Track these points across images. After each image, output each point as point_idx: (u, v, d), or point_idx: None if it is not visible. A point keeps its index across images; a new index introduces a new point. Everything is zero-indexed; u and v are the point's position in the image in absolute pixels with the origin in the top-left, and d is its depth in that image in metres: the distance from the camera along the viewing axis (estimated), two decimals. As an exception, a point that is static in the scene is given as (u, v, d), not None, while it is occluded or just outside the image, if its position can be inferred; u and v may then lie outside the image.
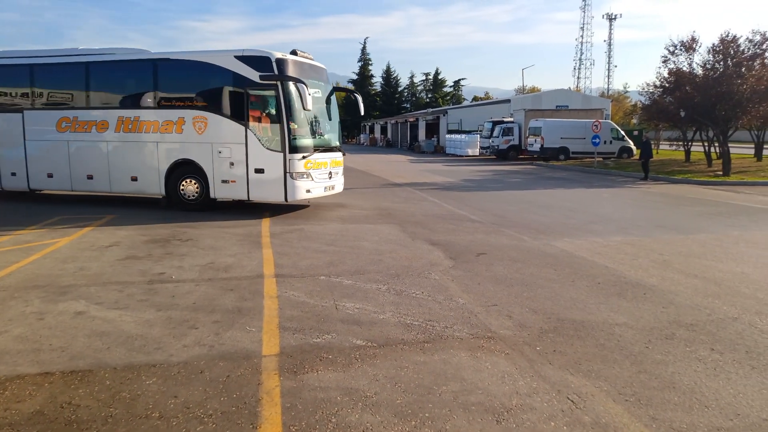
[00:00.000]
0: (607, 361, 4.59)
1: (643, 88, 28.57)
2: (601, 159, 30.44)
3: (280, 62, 11.54)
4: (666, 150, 37.10)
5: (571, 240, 9.56)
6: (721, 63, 23.50)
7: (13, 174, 13.76)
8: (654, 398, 3.95)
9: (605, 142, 31.63)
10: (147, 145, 12.58)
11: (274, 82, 11.39)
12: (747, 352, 4.79)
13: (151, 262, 7.75)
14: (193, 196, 12.46)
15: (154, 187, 12.70)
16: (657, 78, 27.26)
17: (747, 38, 23.27)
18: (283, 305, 5.89)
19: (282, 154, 11.50)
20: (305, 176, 11.82)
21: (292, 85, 11.42)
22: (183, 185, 12.47)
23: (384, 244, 9.07)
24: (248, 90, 11.64)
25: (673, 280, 7.05)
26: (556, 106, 44.55)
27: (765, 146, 28.38)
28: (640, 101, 34.38)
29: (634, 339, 5.07)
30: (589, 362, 4.56)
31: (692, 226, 11.14)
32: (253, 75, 11.52)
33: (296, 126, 11.61)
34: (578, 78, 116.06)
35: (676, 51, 25.42)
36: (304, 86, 11.08)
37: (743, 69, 22.65)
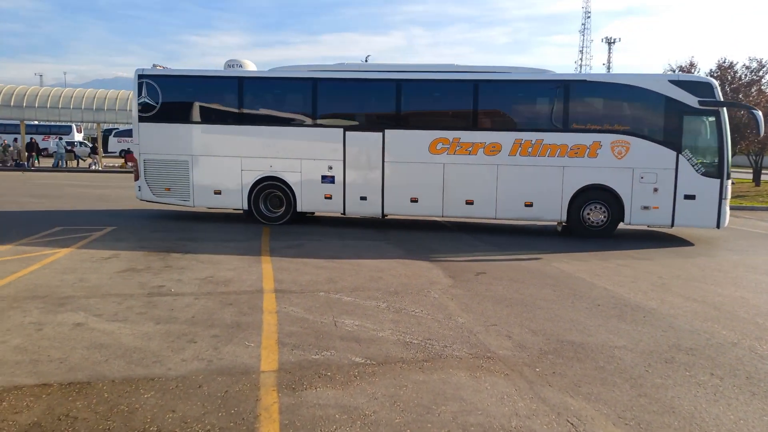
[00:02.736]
0: (606, 383, 4.58)
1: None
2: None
3: (718, 89, 11.78)
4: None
5: (569, 261, 9.57)
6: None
7: (363, 198, 12.68)
8: (654, 423, 3.94)
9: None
10: (550, 170, 12.05)
11: (715, 108, 11.59)
12: (747, 377, 4.79)
13: (150, 274, 7.75)
14: (600, 222, 12.20)
15: (554, 213, 12.22)
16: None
17: (744, 65, 23.60)
18: (282, 321, 5.88)
19: (719, 180, 11.60)
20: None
21: (725, 111, 11.77)
22: (589, 211, 12.19)
23: (383, 262, 9.07)
24: (683, 115, 11.67)
25: (673, 303, 7.05)
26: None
27: (763, 171, 28.55)
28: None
29: (634, 362, 5.06)
30: (589, 385, 4.55)
31: (691, 250, 11.16)
32: (691, 100, 11.55)
33: (729, 152, 11.81)
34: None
35: (675, 76, 25.70)
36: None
37: (740, 95, 22.87)
